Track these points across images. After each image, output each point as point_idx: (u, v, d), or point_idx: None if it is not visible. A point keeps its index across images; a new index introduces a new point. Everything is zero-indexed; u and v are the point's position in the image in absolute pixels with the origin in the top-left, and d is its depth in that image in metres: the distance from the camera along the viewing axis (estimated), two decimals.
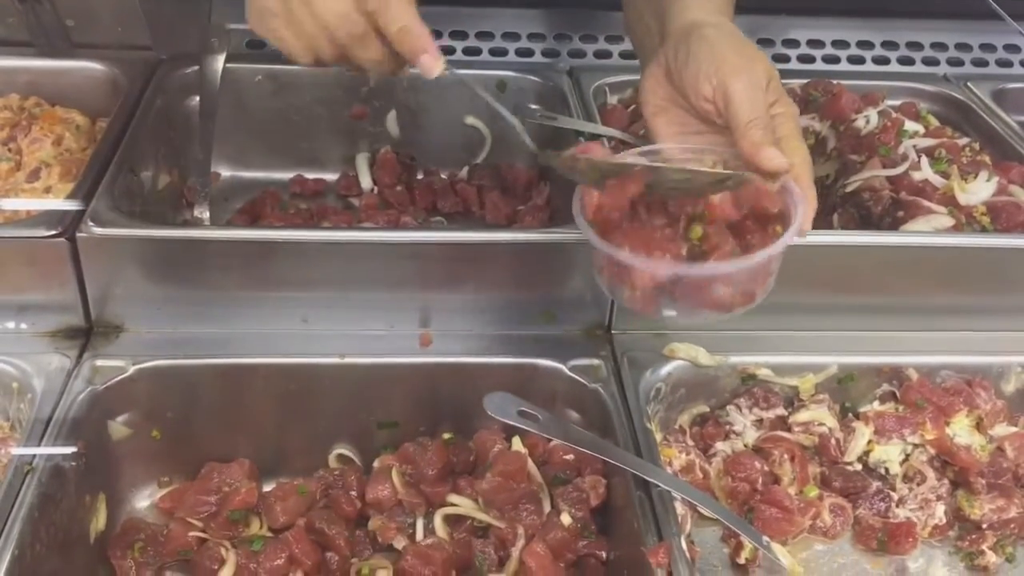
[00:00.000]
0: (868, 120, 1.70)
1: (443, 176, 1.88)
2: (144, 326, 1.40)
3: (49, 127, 1.64)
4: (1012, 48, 2.06)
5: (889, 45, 2.04)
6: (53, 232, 1.33)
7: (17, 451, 1.21)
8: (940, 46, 2.05)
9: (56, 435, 1.23)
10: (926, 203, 1.54)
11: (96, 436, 1.30)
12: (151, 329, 1.40)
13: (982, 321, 1.51)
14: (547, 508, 1.31)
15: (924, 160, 1.62)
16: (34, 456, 1.20)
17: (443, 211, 1.82)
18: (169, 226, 1.43)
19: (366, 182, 1.85)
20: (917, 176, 1.60)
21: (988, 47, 2.06)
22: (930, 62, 2.04)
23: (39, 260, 1.35)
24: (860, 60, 2.03)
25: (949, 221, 1.52)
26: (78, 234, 1.34)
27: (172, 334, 1.39)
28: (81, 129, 1.69)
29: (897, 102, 1.86)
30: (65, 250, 1.34)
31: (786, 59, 2.02)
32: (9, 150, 1.62)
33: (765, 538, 1.24)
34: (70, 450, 1.23)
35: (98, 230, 1.34)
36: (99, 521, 1.29)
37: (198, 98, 1.66)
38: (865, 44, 2.04)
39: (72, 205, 1.37)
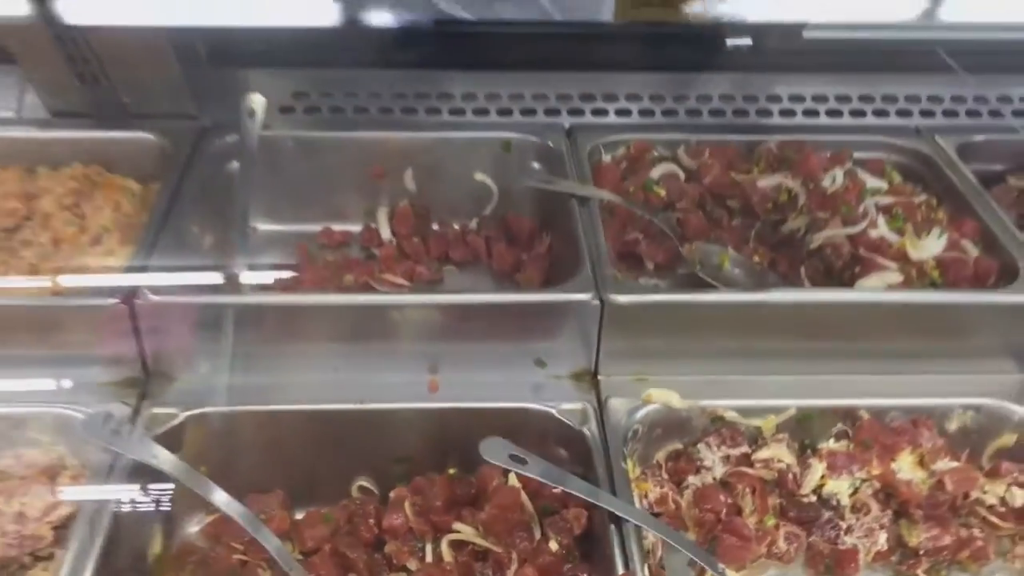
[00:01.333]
0: (834, 179, 1.88)
1: (455, 226, 2.08)
2: (194, 377, 1.62)
3: (109, 195, 1.86)
4: (981, 100, 2.20)
5: (865, 99, 2.18)
6: (114, 300, 1.55)
7: (90, 489, 1.44)
8: (913, 98, 2.18)
9: (121, 474, 1.46)
10: (880, 260, 1.73)
11: (153, 474, 1.51)
12: (199, 380, 1.62)
13: (928, 365, 1.69)
14: (537, 535, 1.51)
15: (881, 219, 1.80)
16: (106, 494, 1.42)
17: (454, 260, 2.02)
18: (214, 292, 1.63)
19: (386, 233, 2.07)
20: (874, 233, 1.78)
21: (959, 99, 2.19)
22: (904, 114, 2.18)
23: (102, 323, 1.57)
24: (838, 113, 2.18)
25: (898, 277, 1.71)
26: (136, 301, 1.56)
27: (217, 384, 1.61)
28: (136, 195, 1.90)
29: (868, 155, 2.03)
30: (125, 314, 1.56)
31: (769, 113, 2.18)
32: (75, 215, 1.84)
33: (721, 566, 1.44)
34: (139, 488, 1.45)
35: (153, 297, 1.57)
36: (156, 546, 1.52)
37: (237, 163, 1.89)
38: (843, 98, 2.18)
39: (130, 280, 1.58)
